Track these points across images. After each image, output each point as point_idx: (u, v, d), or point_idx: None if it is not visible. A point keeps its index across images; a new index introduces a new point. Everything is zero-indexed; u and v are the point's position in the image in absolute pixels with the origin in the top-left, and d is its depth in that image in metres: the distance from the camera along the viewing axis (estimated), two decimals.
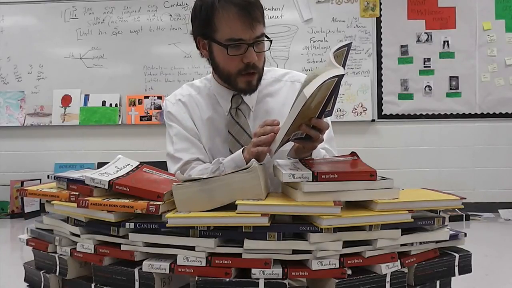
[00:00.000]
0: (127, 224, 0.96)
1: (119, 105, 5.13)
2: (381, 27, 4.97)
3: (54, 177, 1.12)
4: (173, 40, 5.09)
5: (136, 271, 0.94)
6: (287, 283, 0.89)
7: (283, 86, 1.52)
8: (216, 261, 0.90)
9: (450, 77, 4.93)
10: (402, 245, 0.97)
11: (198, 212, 0.94)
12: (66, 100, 5.16)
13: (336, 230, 0.91)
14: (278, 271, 0.89)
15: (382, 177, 0.97)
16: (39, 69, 5.21)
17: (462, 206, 1.01)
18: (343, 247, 0.91)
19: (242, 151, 1.31)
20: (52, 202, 1.08)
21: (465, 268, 1.04)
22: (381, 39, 4.97)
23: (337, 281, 0.89)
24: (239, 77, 1.39)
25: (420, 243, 0.99)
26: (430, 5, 4.94)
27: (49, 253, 1.08)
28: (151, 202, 0.96)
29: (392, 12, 4.95)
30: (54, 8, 5.19)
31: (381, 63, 4.98)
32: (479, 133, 4.94)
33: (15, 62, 5.23)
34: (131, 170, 1.10)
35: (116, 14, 5.17)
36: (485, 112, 4.93)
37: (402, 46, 4.96)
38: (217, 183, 0.96)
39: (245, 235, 0.91)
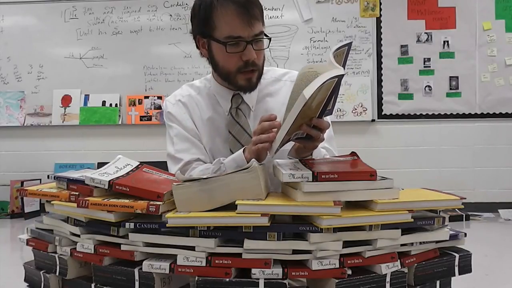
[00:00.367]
0: (127, 224, 0.96)
1: (119, 105, 5.13)
2: (381, 27, 4.97)
3: (54, 177, 1.12)
4: (173, 40, 5.09)
5: (136, 271, 0.94)
6: (287, 283, 0.89)
7: (283, 86, 1.52)
8: (216, 261, 0.90)
9: (450, 77, 4.94)
10: (402, 245, 0.97)
11: (198, 212, 0.94)
12: (66, 100, 5.16)
13: (336, 230, 0.91)
14: (278, 271, 0.89)
15: (382, 177, 0.97)
16: (39, 69, 5.22)
17: (462, 206, 1.01)
18: (343, 247, 0.91)
19: (243, 151, 1.31)
20: (52, 202, 1.08)
21: (465, 268, 1.04)
22: (381, 39, 4.97)
23: (337, 281, 0.89)
24: (239, 74, 1.39)
25: (420, 243, 0.99)
26: (430, 5, 4.94)
27: (49, 253, 1.08)
28: (151, 202, 0.96)
29: (392, 12, 4.95)
30: (54, 8, 5.19)
31: (381, 63, 4.98)
32: (479, 133, 4.94)
33: (15, 62, 5.23)
34: (131, 170, 1.10)
35: (116, 14, 5.17)
36: (485, 112, 4.93)
37: (402, 46, 4.97)
38: (217, 183, 0.96)
39: (245, 235, 0.91)
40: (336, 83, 1.02)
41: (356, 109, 4.95)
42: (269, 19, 4.96)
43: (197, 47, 1.46)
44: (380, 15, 4.96)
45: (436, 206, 1.00)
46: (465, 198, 1.01)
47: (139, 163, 1.16)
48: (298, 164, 1.05)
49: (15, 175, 5.08)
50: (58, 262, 1.06)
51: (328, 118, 1.27)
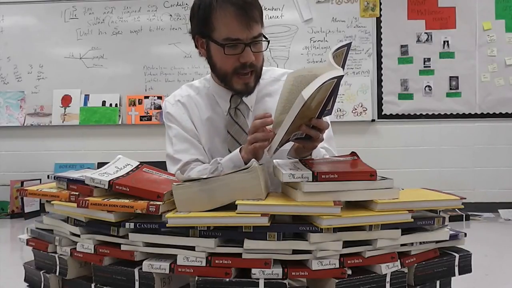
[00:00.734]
0: (127, 224, 0.96)
1: (119, 105, 5.13)
2: (381, 27, 4.97)
3: (54, 177, 1.12)
4: (173, 40, 5.09)
5: (136, 271, 0.94)
6: (287, 283, 0.89)
7: (282, 86, 1.51)
8: (216, 261, 0.90)
9: (450, 77, 4.94)
10: (402, 245, 0.97)
11: (198, 212, 0.94)
12: (66, 100, 5.16)
13: (336, 230, 0.91)
14: (278, 271, 0.89)
15: (382, 177, 0.97)
16: (39, 69, 5.22)
17: (462, 206, 1.01)
18: (343, 247, 0.91)
19: (240, 151, 1.31)
20: (52, 202, 1.08)
21: (465, 268, 1.04)
22: (381, 39, 4.97)
23: (337, 281, 0.89)
24: (235, 77, 1.39)
25: (420, 243, 0.99)
26: (430, 5, 4.94)
27: (49, 253, 1.08)
28: (151, 202, 0.96)
29: (392, 12, 4.95)
30: (54, 8, 5.19)
31: (381, 63, 4.98)
32: (479, 133, 4.94)
33: (15, 62, 5.23)
34: (131, 170, 1.10)
35: (116, 14, 5.17)
36: (485, 112, 4.93)
37: (402, 46, 4.96)
38: (217, 183, 0.96)
39: (245, 235, 0.91)
40: (335, 84, 1.02)
41: (356, 109, 4.95)
42: (269, 19, 4.96)
43: (196, 46, 1.46)
44: (380, 15, 4.96)
45: (436, 206, 1.00)
46: (465, 198, 1.01)
47: (139, 163, 1.16)
48: (298, 164, 1.05)
49: (15, 175, 5.08)
50: (58, 262, 1.05)
51: (327, 118, 1.27)
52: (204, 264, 0.90)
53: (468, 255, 1.05)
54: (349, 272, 0.91)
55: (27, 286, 1.15)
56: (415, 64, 4.95)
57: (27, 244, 1.15)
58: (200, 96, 1.53)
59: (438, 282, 1.01)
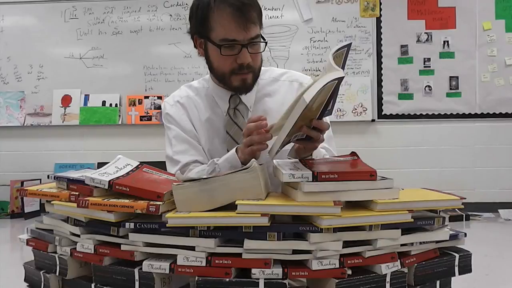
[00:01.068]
0: (127, 224, 0.96)
1: (119, 105, 5.14)
2: (381, 27, 4.97)
3: (54, 177, 1.12)
4: (173, 40, 5.09)
5: (136, 271, 0.94)
6: (287, 283, 0.89)
7: (281, 86, 1.52)
8: (216, 261, 0.90)
9: (450, 77, 4.94)
10: (402, 245, 0.97)
11: (198, 212, 0.94)
12: (66, 100, 5.16)
13: (336, 230, 0.91)
14: (278, 271, 0.89)
15: (382, 177, 0.97)
16: (39, 69, 5.22)
17: (462, 206, 1.01)
18: (343, 247, 0.91)
19: (236, 151, 1.31)
20: (52, 202, 1.08)
21: (465, 268, 1.04)
22: (381, 39, 4.97)
23: (337, 281, 0.89)
24: (233, 76, 1.39)
25: (420, 243, 0.99)
26: (430, 5, 4.94)
27: (49, 253, 1.08)
28: (151, 202, 0.95)
29: (392, 12, 4.95)
30: (54, 8, 5.19)
31: (381, 63, 4.98)
32: (479, 133, 4.94)
33: (15, 62, 5.23)
34: (131, 170, 1.10)
35: (116, 14, 5.17)
36: (485, 112, 4.93)
37: (402, 46, 4.97)
38: (217, 183, 0.96)
39: (245, 235, 0.91)
40: (336, 85, 1.03)
41: (356, 109, 4.95)
42: (269, 19, 4.96)
43: (195, 46, 1.46)
44: (380, 15, 4.96)
45: (436, 206, 1.00)
46: (465, 198, 1.01)
47: (139, 163, 1.16)
48: (298, 164, 1.05)
49: (15, 175, 5.08)
50: (58, 262, 1.05)
51: (327, 119, 1.27)
52: (204, 264, 0.90)
53: (468, 255, 1.05)
54: (349, 272, 0.91)
55: (27, 286, 1.15)
56: (415, 64, 4.95)
57: (27, 244, 1.15)
58: (199, 97, 1.53)
59: (438, 282, 1.01)
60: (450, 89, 4.94)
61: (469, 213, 4.52)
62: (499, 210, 4.69)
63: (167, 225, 0.92)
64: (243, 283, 0.88)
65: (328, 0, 5.01)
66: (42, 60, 5.21)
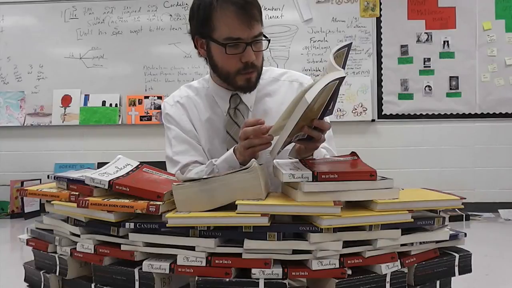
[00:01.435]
0: (127, 224, 0.96)
1: (119, 105, 5.13)
2: (381, 27, 4.97)
3: (54, 177, 1.12)
4: (173, 40, 5.09)
5: (136, 271, 0.94)
6: (287, 283, 0.89)
7: (281, 86, 1.52)
8: (216, 261, 0.90)
9: (450, 77, 4.94)
10: (402, 245, 0.97)
11: (198, 212, 0.94)
12: (66, 100, 5.16)
13: (336, 230, 0.91)
14: (278, 271, 0.89)
15: (382, 177, 0.97)
16: (39, 69, 5.22)
17: (462, 206, 1.01)
18: (343, 247, 0.91)
19: (234, 152, 1.31)
20: (52, 202, 1.08)
21: (465, 268, 1.04)
22: (381, 39, 4.97)
23: (337, 281, 0.89)
24: (238, 76, 1.39)
25: (420, 243, 0.99)
26: (430, 5, 4.94)
27: (49, 253, 1.08)
28: (151, 202, 0.95)
29: (392, 12, 4.95)
30: (54, 8, 5.19)
31: (381, 63, 4.98)
32: (479, 133, 4.94)
33: (15, 62, 5.23)
34: (131, 170, 1.10)
35: (116, 14, 5.17)
36: (485, 112, 4.93)
37: (402, 46, 4.97)
38: (217, 183, 0.96)
39: (245, 235, 0.91)
40: (337, 85, 1.03)
41: (356, 109, 4.95)
42: (269, 19, 4.96)
43: (195, 47, 1.45)
44: (380, 15, 4.96)
45: (436, 206, 1.00)
46: (465, 198, 1.01)
47: (139, 163, 1.16)
48: (298, 164, 1.05)
49: (15, 175, 5.08)
50: (58, 262, 1.06)
51: (327, 118, 1.27)
52: (204, 264, 0.90)
53: (468, 255, 1.05)
54: (349, 272, 0.91)
55: (27, 286, 1.15)
56: (415, 64, 4.95)
57: (27, 244, 1.15)
58: (199, 97, 1.53)
59: (438, 282, 1.01)
60: (450, 89, 4.94)
61: (469, 213, 4.52)
62: (499, 210, 4.69)
63: (167, 225, 0.92)
64: (243, 283, 0.88)
65: (328, 0, 5.01)
66: (42, 60, 5.21)
